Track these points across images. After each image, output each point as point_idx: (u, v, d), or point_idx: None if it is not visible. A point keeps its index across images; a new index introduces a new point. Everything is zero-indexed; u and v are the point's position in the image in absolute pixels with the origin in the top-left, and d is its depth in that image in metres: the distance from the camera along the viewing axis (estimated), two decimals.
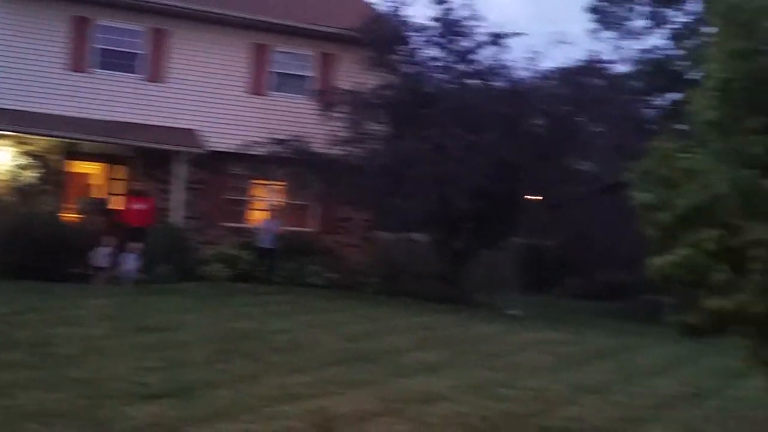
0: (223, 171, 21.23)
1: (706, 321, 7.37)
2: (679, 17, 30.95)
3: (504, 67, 20.97)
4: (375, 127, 20.48)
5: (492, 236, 21.91)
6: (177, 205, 19.88)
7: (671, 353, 14.84)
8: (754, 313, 6.94)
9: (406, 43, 21.19)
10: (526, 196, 21.80)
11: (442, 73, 21.30)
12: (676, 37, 30.55)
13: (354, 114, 20.21)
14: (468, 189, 18.41)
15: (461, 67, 20.96)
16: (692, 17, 29.12)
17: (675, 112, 21.76)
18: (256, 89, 21.78)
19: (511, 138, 19.51)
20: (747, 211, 7.01)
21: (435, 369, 11.34)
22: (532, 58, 20.64)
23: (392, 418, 8.37)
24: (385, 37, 20.67)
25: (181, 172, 19.91)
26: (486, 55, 20.93)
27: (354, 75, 20.84)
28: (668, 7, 31.23)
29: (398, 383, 10.12)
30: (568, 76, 21.35)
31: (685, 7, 30.33)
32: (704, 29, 8.92)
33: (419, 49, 21.40)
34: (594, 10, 32.83)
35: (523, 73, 21.12)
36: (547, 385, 10.86)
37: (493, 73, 20.92)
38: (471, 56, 20.91)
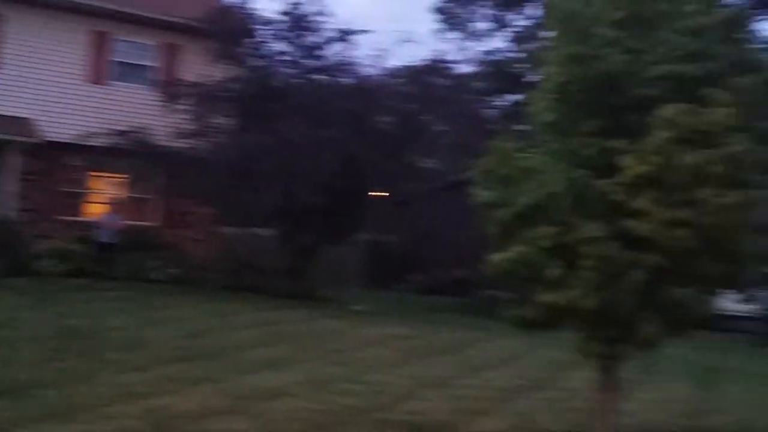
0: (59, 162, 20.35)
1: (541, 315, 7.64)
2: (520, 21, 31.92)
3: (351, 63, 21.18)
4: (220, 121, 20.19)
5: (338, 231, 22.03)
6: (8, 197, 18.97)
7: (509, 347, 15.34)
8: (584, 308, 7.24)
9: (253, 37, 21.02)
10: (372, 192, 22.03)
11: (289, 68, 21.23)
12: (517, 40, 31.48)
13: (199, 106, 19.86)
14: (315, 184, 18.44)
15: (309, 62, 20.97)
16: (532, 21, 30.06)
17: (515, 113, 22.43)
18: (96, 78, 21.02)
19: (357, 134, 19.68)
20: (580, 209, 7.30)
21: (279, 365, 11.31)
22: (378, 56, 20.97)
23: (235, 416, 8.29)
24: (232, 29, 20.40)
25: (13, 162, 19.03)
26: (333, 52, 21.07)
27: (199, 67, 20.42)
28: (509, 11, 32.15)
29: (241, 380, 10.04)
30: (413, 74, 21.76)
31: (525, 12, 31.30)
32: (543, 34, 9.22)
33: (266, 42, 21.28)
34: (439, 10, 33.43)
35: (370, 71, 21.43)
36: (391, 380, 11.03)
37: (340, 70, 21.06)
38: (318, 52, 20.96)
